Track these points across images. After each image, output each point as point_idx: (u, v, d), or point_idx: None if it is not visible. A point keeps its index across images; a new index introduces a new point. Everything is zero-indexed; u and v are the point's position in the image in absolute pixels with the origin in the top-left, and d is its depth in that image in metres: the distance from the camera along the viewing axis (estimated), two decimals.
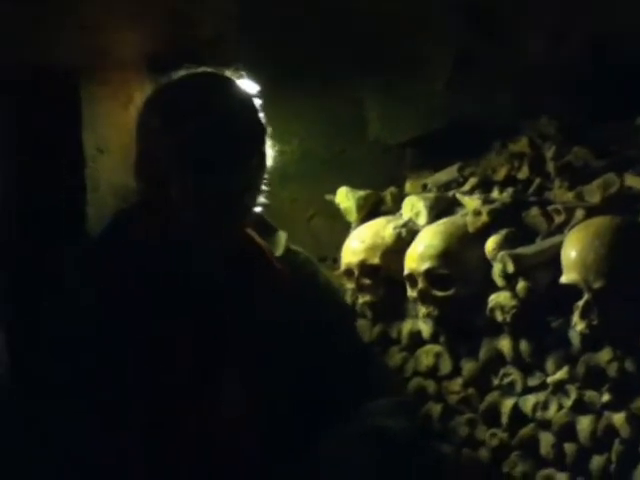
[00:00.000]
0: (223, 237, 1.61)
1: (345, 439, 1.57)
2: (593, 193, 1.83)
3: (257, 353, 1.59)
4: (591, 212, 1.81)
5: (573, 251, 1.61)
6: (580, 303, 1.59)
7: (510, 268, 1.67)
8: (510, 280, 1.69)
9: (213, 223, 1.59)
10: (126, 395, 1.49)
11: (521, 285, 1.68)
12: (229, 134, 1.57)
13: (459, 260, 1.79)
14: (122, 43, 1.89)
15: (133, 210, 1.65)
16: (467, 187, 2.06)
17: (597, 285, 1.57)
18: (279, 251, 1.71)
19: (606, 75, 2.37)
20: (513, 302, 1.68)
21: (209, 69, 1.63)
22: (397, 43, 2.38)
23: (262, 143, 1.64)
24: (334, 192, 2.25)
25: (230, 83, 1.64)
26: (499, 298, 1.71)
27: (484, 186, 2.06)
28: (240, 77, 1.64)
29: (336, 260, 2.29)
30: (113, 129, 1.95)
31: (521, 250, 1.71)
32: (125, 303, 1.52)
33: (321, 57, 2.39)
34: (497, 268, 1.70)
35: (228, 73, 1.64)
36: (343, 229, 2.39)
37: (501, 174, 2.09)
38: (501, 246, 1.74)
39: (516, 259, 1.66)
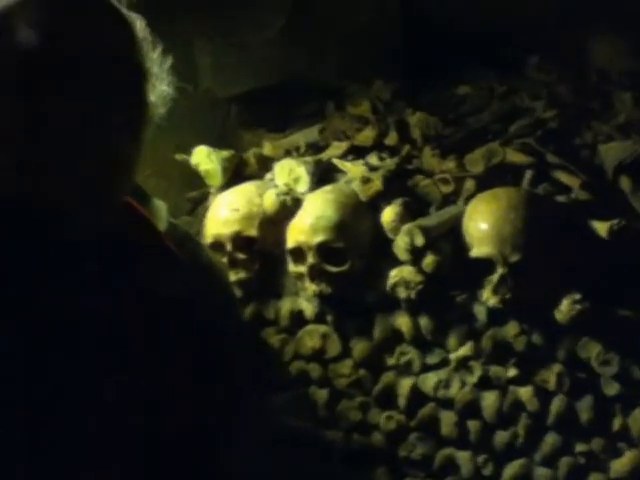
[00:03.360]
0: (100, 217, 1.24)
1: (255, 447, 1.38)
2: (476, 163, 1.78)
3: (149, 344, 1.31)
4: (478, 182, 1.78)
5: (484, 223, 1.55)
6: (494, 277, 1.53)
7: (419, 241, 1.56)
8: (415, 254, 1.59)
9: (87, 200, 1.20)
10: None
11: (429, 259, 1.58)
12: (116, 74, 1.20)
13: (354, 232, 1.64)
14: None
15: None
16: (337, 152, 1.92)
17: (514, 259, 1.52)
18: (162, 225, 1.41)
19: (428, 42, 2.38)
20: (419, 277, 1.58)
21: None
22: None
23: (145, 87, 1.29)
24: (167, 149, 1.99)
25: (112, 5, 1.25)
26: (403, 273, 1.59)
27: (354, 151, 1.95)
28: None
29: None
30: None
31: (425, 221, 1.61)
32: None
33: None
34: (403, 241, 1.58)
35: None
36: (178, 194, 2.15)
37: (367, 139, 1.99)
38: (401, 217, 1.63)
39: (425, 232, 1.56)
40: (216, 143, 2.15)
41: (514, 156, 1.84)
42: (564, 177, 1.80)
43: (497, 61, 2.29)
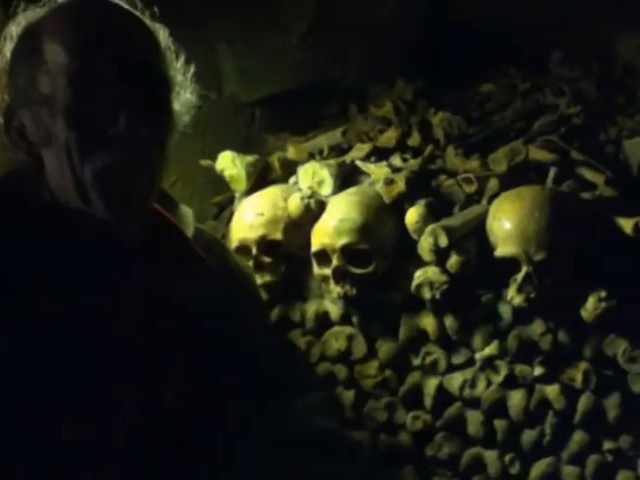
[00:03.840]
0: (127, 225, 1.29)
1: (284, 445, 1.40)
2: (499, 162, 1.78)
3: (178, 346, 1.33)
4: (501, 181, 1.77)
5: (508, 223, 1.55)
6: (519, 276, 1.53)
7: (443, 242, 1.57)
8: (439, 254, 1.60)
9: (113, 210, 1.24)
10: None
11: (454, 259, 1.58)
12: (142, 85, 1.23)
13: (378, 234, 1.65)
14: None
15: (8, 182, 1.28)
16: (360, 153, 1.93)
17: (538, 257, 1.52)
18: (189, 230, 1.44)
19: (448, 41, 2.38)
20: (443, 278, 1.59)
21: None
22: None
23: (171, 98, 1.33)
24: (193, 155, 2.03)
25: (136, 17, 1.30)
26: (427, 274, 1.60)
27: (377, 153, 1.95)
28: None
29: None
30: None
31: (449, 222, 1.61)
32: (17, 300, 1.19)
33: (173, 1, 2.14)
34: (427, 242, 1.58)
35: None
36: (203, 199, 2.18)
37: (390, 140, 1.99)
38: (424, 218, 1.64)
39: (448, 232, 1.57)
40: (241, 148, 2.17)
41: (538, 154, 1.84)
42: (588, 174, 1.79)
43: (520, 58, 2.29)
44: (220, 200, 2.08)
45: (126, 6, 1.32)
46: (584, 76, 2.24)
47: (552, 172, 1.78)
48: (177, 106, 1.35)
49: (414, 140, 1.97)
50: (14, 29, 1.30)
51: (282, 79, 2.33)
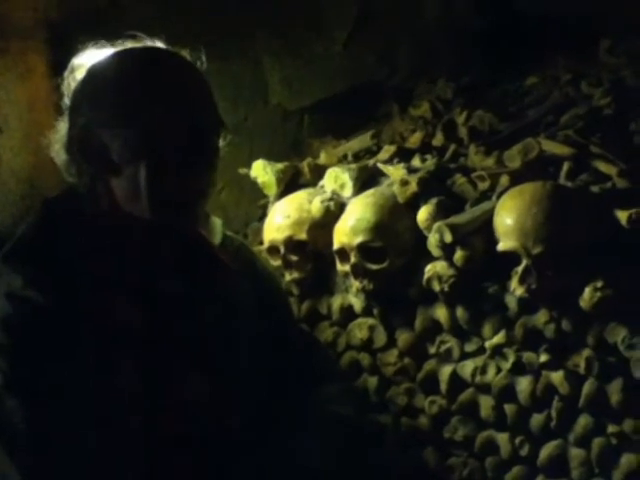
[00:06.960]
0: (177, 237, 1.50)
1: (305, 430, 1.54)
2: (513, 158, 1.86)
3: (213, 345, 1.51)
4: (513, 177, 1.85)
5: (509, 218, 1.64)
6: (519, 269, 1.62)
7: (448, 238, 1.67)
8: (446, 250, 1.70)
9: (168, 223, 1.46)
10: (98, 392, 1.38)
11: (459, 254, 1.68)
12: (201, 125, 1.42)
13: (392, 232, 1.77)
14: (18, 7, 1.69)
15: (66, 198, 1.47)
16: (385, 156, 2.05)
17: (536, 251, 1.60)
18: (217, 239, 1.61)
19: (496, 36, 2.43)
20: (451, 271, 1.70)
21: (157, 44, 1.46)
22: (297, 3, 2.33)
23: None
24: (240, 162, 2.18)
25: (192, 65, 1.48)
26: (436, 268, 1.71)
27: (402, 154, 2.06)
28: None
29: (247, 235, 2.23)
30: (12, 104, 1.74)
31: (455, 219, 1.71)
32: (82, 301, 1.39)
33: (220, 18, 2.29)
34: (434, 238, 1.69)
35: (184, 53, 1.47)
36: (251, 202, 2.34)
37: (416, 141, 2.09)
38: (434, 216, 1.74)
39: (453, 229, 1.67)
40: (289, 153, 2.32)
41: (556, 148, 1.89)
42: (603, 166, 1.83)
43: (571, 48, 2.32)
44: (264, 203, 2.24)
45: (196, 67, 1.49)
46: (628, 64, 2.24)
47: (565, 166, 1.84)
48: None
49: (438, 140, 2.07)
50: (87, 56, 1.47)
51: (328, 85, 2.43)
